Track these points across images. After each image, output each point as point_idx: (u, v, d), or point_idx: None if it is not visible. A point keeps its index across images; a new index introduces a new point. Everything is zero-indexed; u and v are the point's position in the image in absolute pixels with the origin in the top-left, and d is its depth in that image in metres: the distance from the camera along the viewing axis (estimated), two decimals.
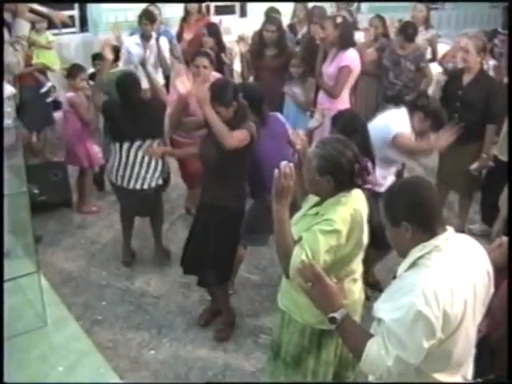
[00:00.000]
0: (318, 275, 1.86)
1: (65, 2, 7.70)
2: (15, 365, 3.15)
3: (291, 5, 6.73)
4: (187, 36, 6.17)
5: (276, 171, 2.19)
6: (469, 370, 1.99)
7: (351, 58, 4.85)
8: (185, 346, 3.59)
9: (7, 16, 4.16)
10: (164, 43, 5.90)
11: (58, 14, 4.67)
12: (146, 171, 4.09)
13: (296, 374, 2.60)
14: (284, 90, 5.01)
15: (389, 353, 1.76)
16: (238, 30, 6.94)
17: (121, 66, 5.62)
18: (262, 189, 3.31)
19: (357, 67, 4.92)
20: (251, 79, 5.39)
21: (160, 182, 4.18)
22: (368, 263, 2.89)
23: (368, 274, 3.68)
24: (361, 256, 2.50)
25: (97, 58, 5.31)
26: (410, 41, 5.27)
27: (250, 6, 9.25)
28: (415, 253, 1.83)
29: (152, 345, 3.59)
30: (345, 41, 4.88)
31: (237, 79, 5.51)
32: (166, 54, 5.90)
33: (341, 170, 2.31)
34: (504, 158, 4.35)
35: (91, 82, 5.09)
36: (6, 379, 2.53)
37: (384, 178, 3.64)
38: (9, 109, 3.75)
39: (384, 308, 1.83)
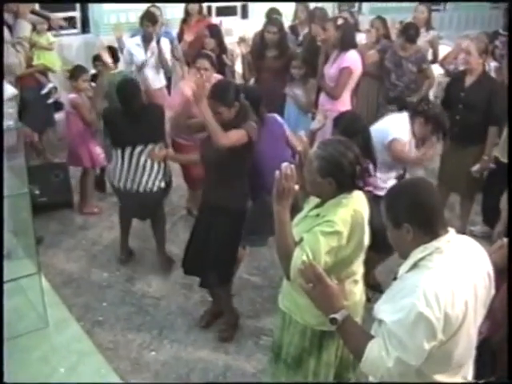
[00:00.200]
0: (319, 276, 1.86)
1: (66, 3, 7.73)
2: (16, 366, 3.16)
3: (292, 6, 6.72)
4: (188, 37, 6.16)
5: (277, 172, 2.19)
6: (469, 372, 1.99)
7: (352, 60, 4.85)
8: (186, 347, 3.59)
9: (9, 17, 4.18)
10: (165, 44, 5.87)
11: (54, 19, 4.71)
12: (149, 175, 4.09)
13: (297, 376, 2.60)
14: (285, 91, 5.01)
15: (389, 354, 1.76)
16: (239, 31, 6.98)
17: (121, 66, 5.62)
18: (261, 189, 3.32)
19: (358, 69, 4.92)
20: (252, 81, 5.39)
21: (162, 185, 4.18)
22: (369, 265, 2.88)
23: (369, 275, 3.68)
24: (362, 257, 2.50)
25: (97, 59, 5.31)
26: (412, 42, 5.26)
27: (251, 7, 9.25)
28: (416, 254, 1.84)
29: (153, 346, 3.59)
30: (346, 42, 4.88)
31: (238, 81, 5.51)
32: (168, 55, 5.89)
33: (342, 171, 2.31)
34: (505, 159, 4.34)
35: (93, 84, 5.10)
36: (7, 380, 2.53)
37: (384, 181, 3.62)
38: (10, 110, 3.75)
39: (385, 309, 1.83)
